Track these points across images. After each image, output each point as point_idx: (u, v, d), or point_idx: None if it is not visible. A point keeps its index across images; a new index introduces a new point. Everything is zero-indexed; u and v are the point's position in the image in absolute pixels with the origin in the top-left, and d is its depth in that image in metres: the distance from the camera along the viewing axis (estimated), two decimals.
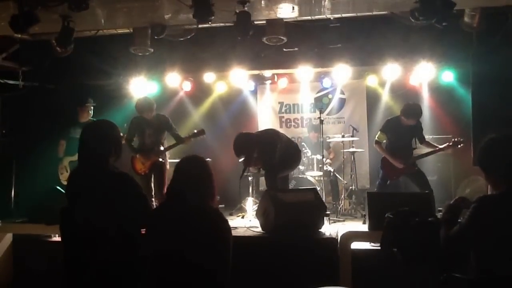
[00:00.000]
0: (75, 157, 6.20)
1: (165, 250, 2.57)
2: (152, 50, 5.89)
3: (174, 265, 2.53)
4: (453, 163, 7.32)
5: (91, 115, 6.47)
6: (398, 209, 3.78)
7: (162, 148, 6.26)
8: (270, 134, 5.75)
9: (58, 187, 5.27)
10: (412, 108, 6.09)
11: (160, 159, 6.21)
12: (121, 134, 3.20)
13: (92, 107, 6.47)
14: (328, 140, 7.75)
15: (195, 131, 6.27)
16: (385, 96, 8.17)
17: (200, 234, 2.57)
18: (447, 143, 5.98)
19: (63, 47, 5.61)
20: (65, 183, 6.10)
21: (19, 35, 5.73)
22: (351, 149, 7.38)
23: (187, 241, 2.55)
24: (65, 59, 6.09)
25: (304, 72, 7.61)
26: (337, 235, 4.65)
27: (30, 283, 5.00)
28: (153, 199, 6.06)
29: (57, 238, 5.06)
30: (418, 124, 6.22)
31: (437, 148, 6.09)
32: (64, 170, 6.32)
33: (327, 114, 8.50)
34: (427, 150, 6.19)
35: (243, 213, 6.86)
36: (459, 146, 5.95)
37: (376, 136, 6.33)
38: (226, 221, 2.76)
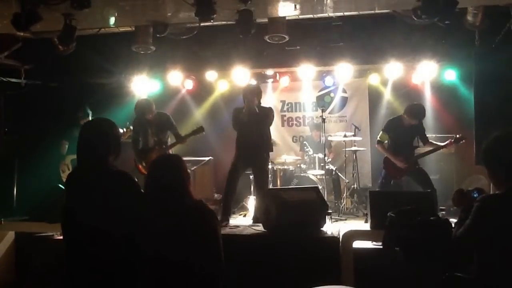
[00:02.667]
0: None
1: (157, 248, 2.56)
2: (154, 48, 5.89)
3: (167, 263, 2.53)
4: (456, 162, 7.30)
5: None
6: (401, 208, 3.78)
7: (164, 146, 6.25)
8: None
9: (60, 185, 5.28)
10: (416, 108, 6.10)
11: None
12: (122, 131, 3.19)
13: (90, 118, 6.46)
14: (330, 139, 7.74)
15: (194, 128, 6.25)
16: (387, 95, 8.14)
17: (187, 228, 2.57)
18: (449, 140, 5.97)
19: (65, 45, 5.60)
20: None
21: (22, 33, 5.73)
22: (353, 148, 7.37)
23: (177, 237, 2.55)
24: (67, 57, 6.08)
25: (306, 70, 7.60)
26: (339, 234, 4.63)
27: (32, 281, 5.00)
28: None
29: (59, 236, 5.05)
30: (420, 125, 6.22)
31: (439, 146, 6.08)
32: (66, 168, 6.34)
33: (329, 113, 8.47)
34: (429, 148, 6.19)
35: (245, 212, 6.87)
36: (461, 142, 5.93)
37: (378, 136, 6.33)
38: (212, 212, 2.74)
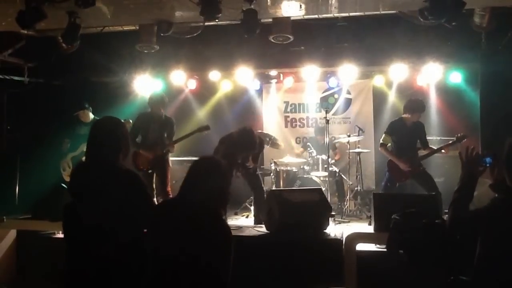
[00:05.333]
0: (77, 153, 6.22)
1: (165, 250, 2.52)
2: (158, 47, 5.86)
3: (174, 266, 2.49)
4: (461, 165, 7.23)
5: (91, 116, 6.45)
6: (405, 211, 3.75)
7: (164, 144, 6.22)
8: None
9: (62, 184, 5.26)
10: (414, 102, 6.09)
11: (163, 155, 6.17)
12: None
13: (87, 111, 6.46)
14: (334, 141, 7.70)
15: (200, 126, 6.24)
16: (392, 97, 8.11)
17: (202, 235, 2.51)
18: (452, 140, 5.90)
19: (69, 43, 5.58)
20: (67, 179, 6.10)
21: (25, 31, 5.71)
22: (357, 150, 7.32)
23: (187, 242, 2.50)
24: (70, 55, 6.07)
25: (310, 71, 7.54)
26: (342, 236, 4.60)
27: (33, 279, 4.98)
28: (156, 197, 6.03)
29: (60, 235, 5.04)
30: (422, 126, 6.19)
31: (441, 146, 6.03)
32: (66, 166, 6.32)
33: (333, 114, 8.46)
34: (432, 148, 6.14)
35: (247, 213, 6.83)
36: (463, 141, 5.86)
37: (381, 139, 6.27)
38: (228, 227, 2.67)
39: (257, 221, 5.78)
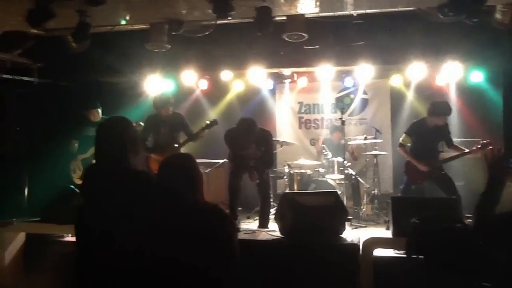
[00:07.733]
0: (87, 154, 6.19)
1: (167, 251, 2.48)
2: (169, 46, 5.79)
3: (177, 266, 2.44)
4: (482, 168, 7.02)
5: (101, 115, 6.41)
6: (425, 215, 3.64)
7: (176, 145, 6.17)
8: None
9: (71, 186, 5.22)
10: (440, 105, 5.93)
11: None
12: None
13: (99, 110, 6.43)
14: (350, 142, 7.55)
15: (208, 122, 6.14)
16: (410, 97, 7.93)
17: (200, 232, 2.48)
18: (476, 146, 5.73)
19: (79, 42, 5.58)
20: (77, 181, 6.11)
21: (34, 31, 5.69)
22: (374, 152, 7.14)
23: (188, 240, 2.46)
24: (78, 55, 6.05)
25: (325, 70, 7.42)
26: (359, 241, 4.47)
27: (41, 283, 4.94)
28: None
29: (69, 238, 5.01)
30: (445, 127, 6.04)
31: (465, 151, 5.86)
32: (76, 168, 6.32)
33: (348, 115, 8.30)
34: (454, 153, 5.97)
35: None
36: (487, 148, 5.70)
37: (401, 139, 6.16)
38: (227, 216, 2.65)
39: (261, 226, 5.85)
